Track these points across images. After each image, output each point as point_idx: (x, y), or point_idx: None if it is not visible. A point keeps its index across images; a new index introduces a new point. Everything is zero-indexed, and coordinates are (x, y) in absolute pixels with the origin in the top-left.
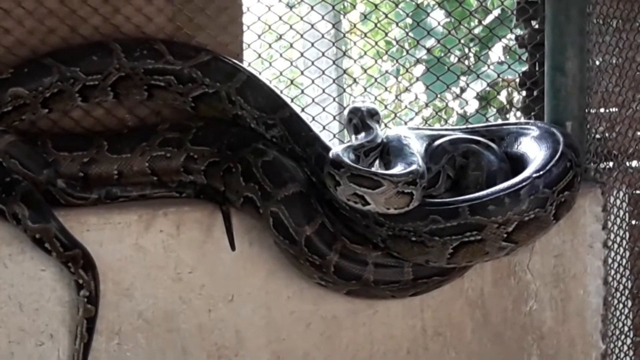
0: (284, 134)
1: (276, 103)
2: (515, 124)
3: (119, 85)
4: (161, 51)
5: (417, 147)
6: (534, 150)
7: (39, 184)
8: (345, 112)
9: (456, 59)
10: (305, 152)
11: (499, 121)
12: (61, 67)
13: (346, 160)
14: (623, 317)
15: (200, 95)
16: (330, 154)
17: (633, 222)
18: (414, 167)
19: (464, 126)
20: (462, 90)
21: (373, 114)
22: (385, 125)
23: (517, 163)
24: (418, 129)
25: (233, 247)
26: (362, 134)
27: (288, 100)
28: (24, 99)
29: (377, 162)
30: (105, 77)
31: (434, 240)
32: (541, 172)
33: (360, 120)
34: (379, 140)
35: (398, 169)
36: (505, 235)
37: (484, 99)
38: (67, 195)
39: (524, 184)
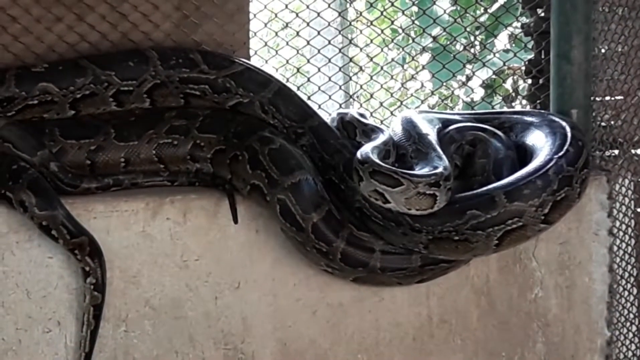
0: (313, 142)
1: (306, 112)
2: (513, 112)
3: (154, 92)
4: (196, 60)
5: (435, 138)
6: (537, 137)
7: (33, 165)
8: (334, 115)
9: (462, 47)
10: (334, 159)
11: (497, 109)
12: (96, 70)
13: (372, 156)
14: (628, 304)
15: (236, 105)
16: (359, 151)
17: (638, 209)
18: (439, 170)
19: (465, 112)
20: (468, 78)
21: (362, 114)
22: (392, 113)
23: (519, 150)
24: (424, 112)
25: (236, 221)
26: (377, 133)
27: (317, 109)
28: (52, 96)
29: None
30: (141, 84)
31: (477, 235)
32: (561, 153)
33: (357, 120)
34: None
35: (424, 170)
36: (542, 218)
37: (490, 87)
38: (57, 180)
39: (550, 164)
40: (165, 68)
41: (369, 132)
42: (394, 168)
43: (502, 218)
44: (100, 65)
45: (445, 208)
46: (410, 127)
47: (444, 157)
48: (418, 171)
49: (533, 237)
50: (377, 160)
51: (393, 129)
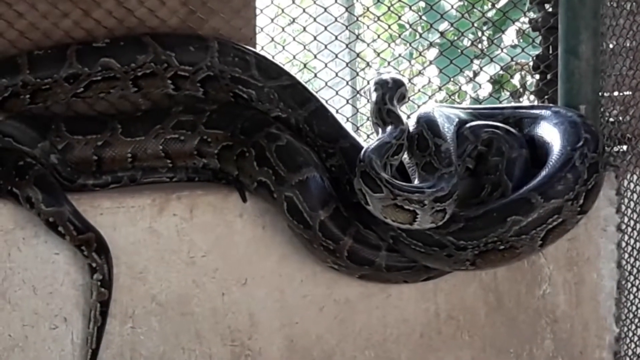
0: (342, 163)
1: (338, 133)
2: (517, 107)
3: (207, 83)
4: (250, 63)
5: (454, 148)
6: (546, 129)
7: (34, 158)
8: (372, 82)
9: (469, 42)
10: None
11: (504, 104)
12: (158, 49)
13: (372, 156)
14: (637, 300)
15: (276, 118)
16: (366, 146)
17: None
18: (431, 189)
19: (470, 107)
20: (476, 73)
21: (400, 85)
22: None
23: (528, 144)
24: (444, 106)
25: (244, 199)
26: (392, 119)
27: (351, 131)
28: (114, 72)
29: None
30: (196, 71)
31: (522, 240)
32: (581, 142)
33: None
34: (405, 126)
35: (423, 184)
36: (579, 209)
37: (497, 83)
38: (55, 172)
39: (575, 156)
40: (221, 62)
41: (384, 114)
42: (381, 174)
43: (543, 218)
44: (162, 44)
45: (485, 218)
46: (429, 135)
47: (453, 177)
48: (414, 184)
49: (572, 228)
50: (372, 162)
51: (414, 125)
